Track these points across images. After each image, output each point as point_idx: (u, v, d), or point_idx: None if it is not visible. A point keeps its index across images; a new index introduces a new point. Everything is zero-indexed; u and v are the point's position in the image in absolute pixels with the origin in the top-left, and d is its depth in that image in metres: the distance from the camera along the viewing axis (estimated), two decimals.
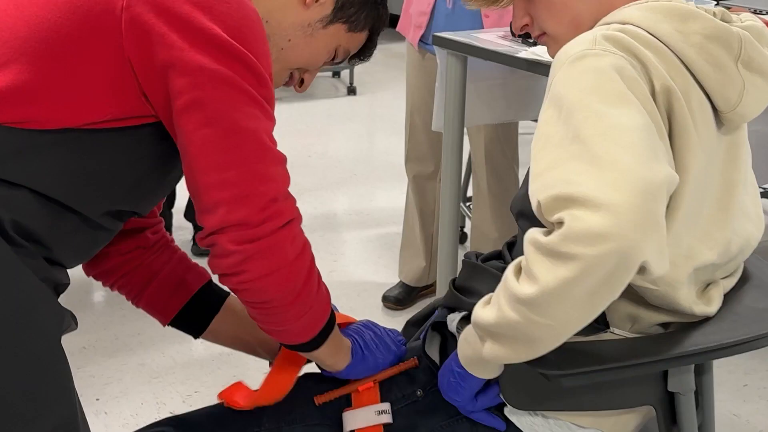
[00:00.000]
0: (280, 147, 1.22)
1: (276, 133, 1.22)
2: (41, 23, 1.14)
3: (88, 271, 1.50)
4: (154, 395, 2.66)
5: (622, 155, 1.04)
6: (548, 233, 1.05)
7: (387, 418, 1.35)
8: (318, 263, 1.27)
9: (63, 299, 1.35)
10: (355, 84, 6.09)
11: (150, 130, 1.20)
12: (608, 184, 1.02)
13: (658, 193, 1.03)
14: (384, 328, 1.45)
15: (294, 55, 1.34)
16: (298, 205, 1.23)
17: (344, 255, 3.67)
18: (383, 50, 7.48)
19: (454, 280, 1.42)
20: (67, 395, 1.19)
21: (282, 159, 1.19)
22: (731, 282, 1.33)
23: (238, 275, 1.16)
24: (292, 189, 1.23)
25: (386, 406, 1.36)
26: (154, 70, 1.13)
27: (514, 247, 1.38)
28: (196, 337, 1.52)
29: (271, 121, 1.19)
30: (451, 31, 2.64)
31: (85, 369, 2.78)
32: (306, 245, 1.21)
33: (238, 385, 1.39)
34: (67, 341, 1.21)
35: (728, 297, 1.30)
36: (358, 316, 1.50)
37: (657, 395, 1.26)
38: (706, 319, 1.26)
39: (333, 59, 1.40)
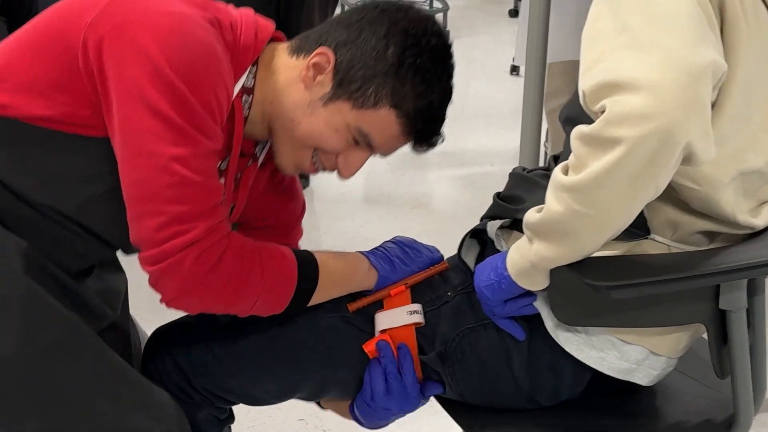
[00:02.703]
0: None
1: None
2: (27, 28, 1.26)
3: None
4: None
5: (667, 39, 1.04)
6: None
7: (418, 318, 1.36)
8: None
9: None
10: (449, 27, 6.04)
11: (99, 144, 1.24)
12: (651, 66, 1.02)
13: (702, 75, 1.02)
14: (416, 240, 1.47)
15: (298, 134, 1.33)
16: None
17: (427, 193, 3.68)
18: None
19: (499, 193, 1.43)
20: (60, 314, 1.25)
21: (197, 183, 1.19)
22: None
23: (162, 296, 1.23)
24: None
25: (418, 306, 1.37)
26: (103, 82, 1.20)
27: (559, 159, 1.37)
28: None
29: (194, 148, 1.19)
30: None
31: None
32: (225, 255, 1.22)
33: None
34: None
35: None
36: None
37: (708, 313, 1.24)
38: (756, 234, 1.23)
39: (356, 142, 1.34)
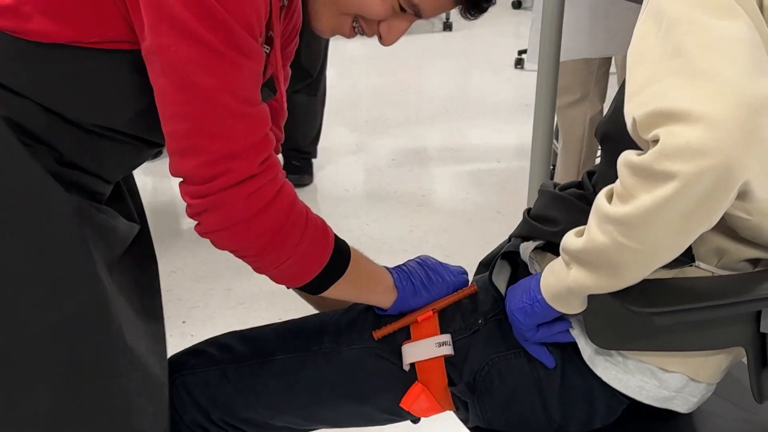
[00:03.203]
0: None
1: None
2: None
3: None
4: (238, 320, 2.69)
5: (726, 67, 0.97)
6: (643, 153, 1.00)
7: (448, 350, 1.31)
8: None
9: (153, 224, 1.36)
10: (451, 20, 5.98)
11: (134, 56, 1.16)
12: (708, 96, 0.95)
13: (763, 108, 0.96)
14: (442, 263, 1.40)
15: (340, 0, 1.25)
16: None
17: (432, 190, 3.63)
18: None
19: (529, 210, 1.37)
20: (90, 281, 1.18)
21: (244, 115, 1.13)
22: None
23: (198, 224, 1.18)
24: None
25: (447, 337, 1.32)
26: (132, 2, 1.12)
27: (594, 175, 1.32)
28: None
29: (237, 74, 1.12)
30: None
31: (173, 292, 2.83)
32: (274, 202, 1.16)
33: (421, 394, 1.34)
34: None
35: None
36: (444, 252, 1.46)
37: (748, 336, 1.19)
38: None
39: (402, 9, 1.26)
